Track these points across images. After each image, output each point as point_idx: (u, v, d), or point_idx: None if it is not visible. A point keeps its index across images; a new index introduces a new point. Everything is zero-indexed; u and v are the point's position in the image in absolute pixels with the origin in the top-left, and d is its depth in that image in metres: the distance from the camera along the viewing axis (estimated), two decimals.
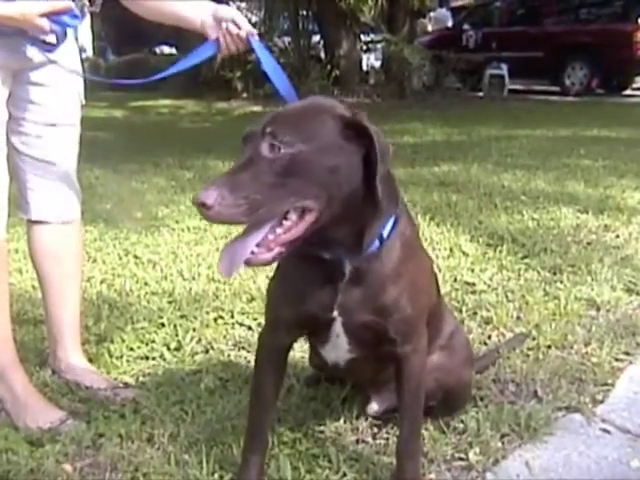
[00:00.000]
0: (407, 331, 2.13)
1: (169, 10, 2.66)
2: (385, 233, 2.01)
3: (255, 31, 2.58)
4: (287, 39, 18.87)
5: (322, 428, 2.61)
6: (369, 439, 2.57)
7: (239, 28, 2.54)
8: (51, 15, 2.39)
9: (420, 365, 2.20)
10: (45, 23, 2.37)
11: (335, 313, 2.08)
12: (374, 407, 2.61)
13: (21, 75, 2.60)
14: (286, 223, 1.82)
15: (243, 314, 3.63)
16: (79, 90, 2.83)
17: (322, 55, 18.21)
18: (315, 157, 1.81)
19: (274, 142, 1.78)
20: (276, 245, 1.83)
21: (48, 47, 2.54)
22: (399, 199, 2.07)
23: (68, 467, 2.42)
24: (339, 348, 2.21)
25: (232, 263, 1.83)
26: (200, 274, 4.24)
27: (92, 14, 2.65)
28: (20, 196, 2.84)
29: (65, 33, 2.51)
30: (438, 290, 2.52)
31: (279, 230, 1.83)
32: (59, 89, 2.72)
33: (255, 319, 3.52)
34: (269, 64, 2.51)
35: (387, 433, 2.59)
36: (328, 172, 1.82)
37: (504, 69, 17.67)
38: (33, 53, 2.56)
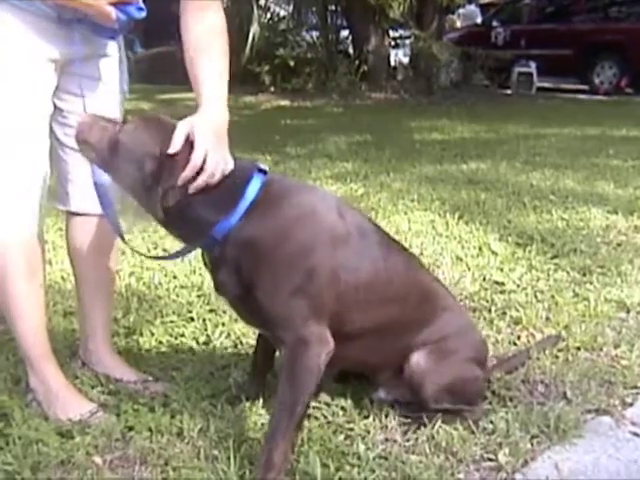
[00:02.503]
0: (269, 322, 2.32)
1: (193, 75, 2.55)
2: (221, 230, 2.24)
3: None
4: (315, 34, 18.88)
5: (351, 425, 2.61)
6: (398, 437, 2.56)
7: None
8: (119, 4, 2.45)
9: (298, 357, 2.28)
10: (112, 11, 2.43)
11: (218, 292, 2.42)
12: (380, 394, 2.70)
13: (69, 67, 2.61)
14: None
15: None
16: (123, 83, 2.84)
17: (350, 50, 18.19)
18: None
19: None
20: None
21: (108, 33, 2.61)
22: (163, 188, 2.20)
23: (98, 459, 2.43)
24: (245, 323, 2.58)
25: None
26: None
27: None
28: (60, 187, 2.85)
29: (128, 24, 2.56)
30: (418, 289, 2.59)
31: None
32: (105, 83, 2.73)
33: None
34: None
35: (416, 432, 2.58)
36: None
37: (532, 67, 17.60)
38: (90, 43, 2.60)
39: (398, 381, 2.59)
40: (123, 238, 2.60)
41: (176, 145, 2.19)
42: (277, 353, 2.77)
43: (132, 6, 2.50)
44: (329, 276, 2.29)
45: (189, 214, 2.24)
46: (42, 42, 2.48)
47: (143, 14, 2.54)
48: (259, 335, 2.77)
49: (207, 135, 2.25)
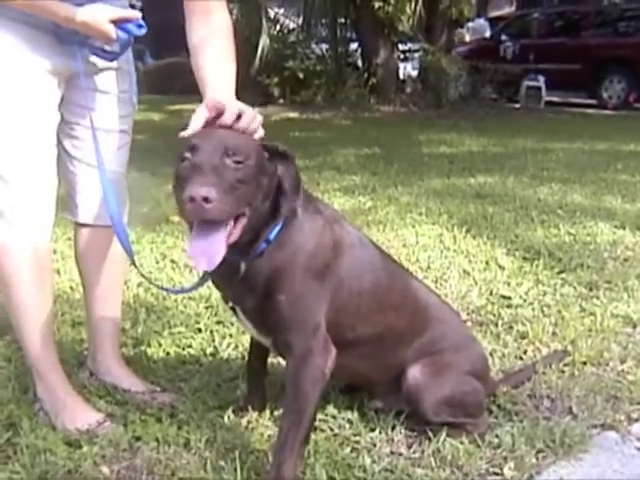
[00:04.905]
0: (285, 326, 2.32)
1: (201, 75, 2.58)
2: (272, 236, 2.27)
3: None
4: (325, 46, 18.88)
5: (358, 438, 2.62)
6: (404, 451, 2.57)
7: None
8: (118, 22, 2.47)
9: (303, 366, 2.31)
10: (112, 29, 2.45)
11: (231, 303, 2.45)
12: (377, 404, 2.75)
13: (75, 80, 2.63)
14: (228, 228, 2.09)
15: None
16: (132, 96, 2.86)
17: (359, 63, 18.20)
18: (256, 171, 2.12)
19: (235, 158, 2.07)
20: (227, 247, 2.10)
21: (109, 55, 2.63)
22: (291, 207, 2.27)
23: (105, 469, 2.44)
24: (253, 333, 2.54)
25: (211, 260, 2.07)
26: None
27: None
28: (69, 198, 2.87)
29: (129, 42, 2.57)
30: (408, 298, 2.63)
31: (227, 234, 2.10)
32: (113, 95, 2.75)
33: None
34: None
35: (422, 445, 2.59)
36: (259, 185, 2.15)
37: (541, 81, 17.64)
38: (92, 60, 2.63)
39: (394, 393, 2.62)
40: (144, 275, 2.79)
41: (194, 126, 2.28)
42: (269, 359, 2.86)
43: (132, 23, 2.51)
44: (338, 283, 2.37)
45: (267, 211, 2.25)
46: (43, 55, 2.50)
47: (143, 31, 2.54)
48: (251, 342, 2.80)
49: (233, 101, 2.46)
